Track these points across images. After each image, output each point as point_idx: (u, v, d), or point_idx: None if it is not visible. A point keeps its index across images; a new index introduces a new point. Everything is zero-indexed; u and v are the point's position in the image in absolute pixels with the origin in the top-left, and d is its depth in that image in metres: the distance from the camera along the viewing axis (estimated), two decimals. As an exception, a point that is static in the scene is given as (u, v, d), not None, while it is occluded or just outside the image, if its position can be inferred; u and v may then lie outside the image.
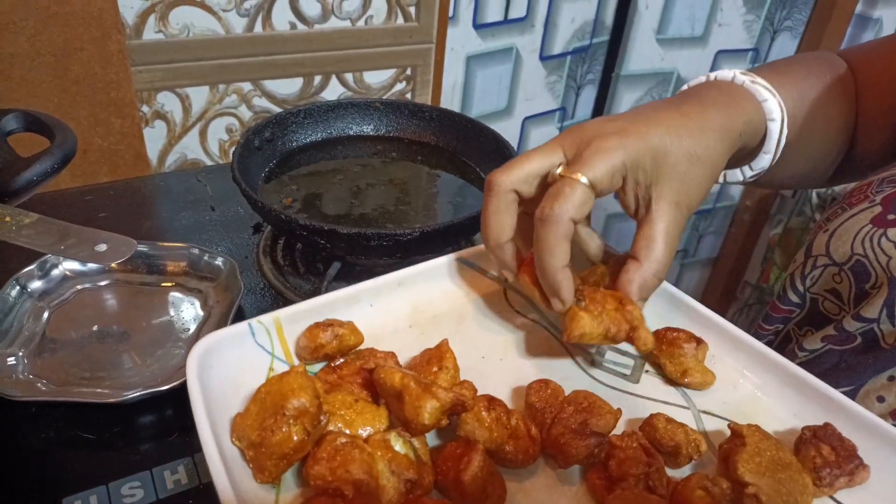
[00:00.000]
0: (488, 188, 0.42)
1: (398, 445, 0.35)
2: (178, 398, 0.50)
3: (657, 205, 0.42)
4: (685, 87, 0.53)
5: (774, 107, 0.49)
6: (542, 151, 0.42)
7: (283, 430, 0.33)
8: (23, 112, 0.55)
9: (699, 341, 0.43)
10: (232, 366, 0.39)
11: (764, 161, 0.52)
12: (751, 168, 0.53)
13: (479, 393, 0.40)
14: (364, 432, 0.36)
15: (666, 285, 0.48)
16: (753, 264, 1.90)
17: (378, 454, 0.34)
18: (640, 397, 0.43)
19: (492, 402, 0.38)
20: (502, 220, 0.42)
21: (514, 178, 0.42)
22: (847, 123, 0.60)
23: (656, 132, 0.42)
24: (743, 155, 0.52)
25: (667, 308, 0.48)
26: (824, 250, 0.60)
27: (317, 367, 0.42)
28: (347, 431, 0.36)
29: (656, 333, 0.44)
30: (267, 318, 0.41)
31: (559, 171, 0.41)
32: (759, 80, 0.50)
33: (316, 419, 0.34)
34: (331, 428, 0.36)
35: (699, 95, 0.49)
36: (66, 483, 0.46)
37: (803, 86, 0.56)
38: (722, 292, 1.94)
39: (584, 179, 0.39)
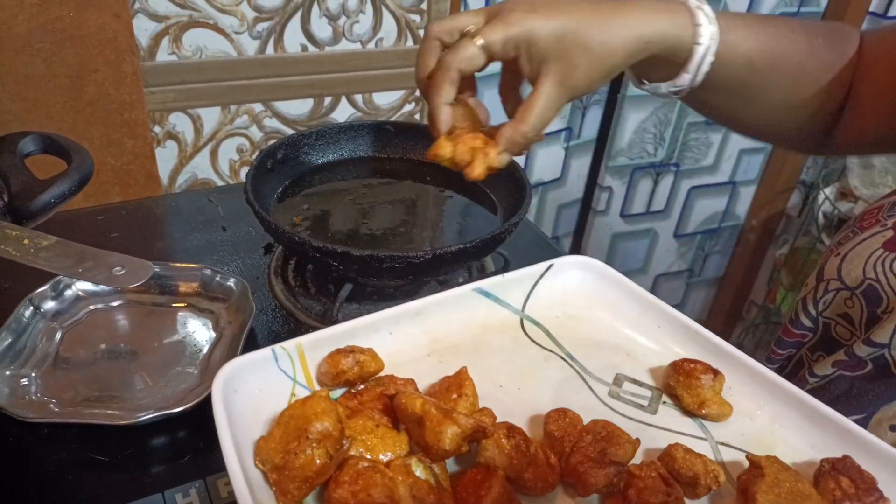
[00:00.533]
0: (424, 34, 0.53)
1: (419, 471, 0.36)
2: (190, 420, 0.51)
3: (543, 79, 0.49)
4: None
5: (706, 32, 0.51)
6: (470, 13, 0.51)
7: (307, 453, 0.34)
8: (40, 134, 0.55)
9: (716, 373, 0.43)
10: (255, 390, 0.40)
11: (683, 80, 0.53)
12: (673, 84, 0.54)
13: (497, 421, 0.40)
14: (385, 457, 0.37)
15: (681, 316, 0.48)
16: (759, 284, 1.90)
17: (399, 479, 0.35)
18: (658, 428, 0.42)
19: (511, 429, 0.38)
20: (426, 60, 0.52)
21: (440, 29, 0.51)
22: (830, 87, 0.58)
23: (559, 18, 0.48)
24: (664, 68, 0.54)
25: (682, 338, 0.48)
26: (836, 274, 0.60)
27: (337, 393, 0.42)
28: (369, 456, 0.36)
29: (673, 365, 0.45)
30: (289, 344, 0.42)
31: (469, 30, 0.50)
32: (705, 6, 0.52)
33: (339, 443, 0.35)
34: (352, 453, 0.36)
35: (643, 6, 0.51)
36: (78, 505, 0.46)
37: (775, 35, 0.56)
38: (728, 312, 1.94)
39: (479, 41, 0.49)
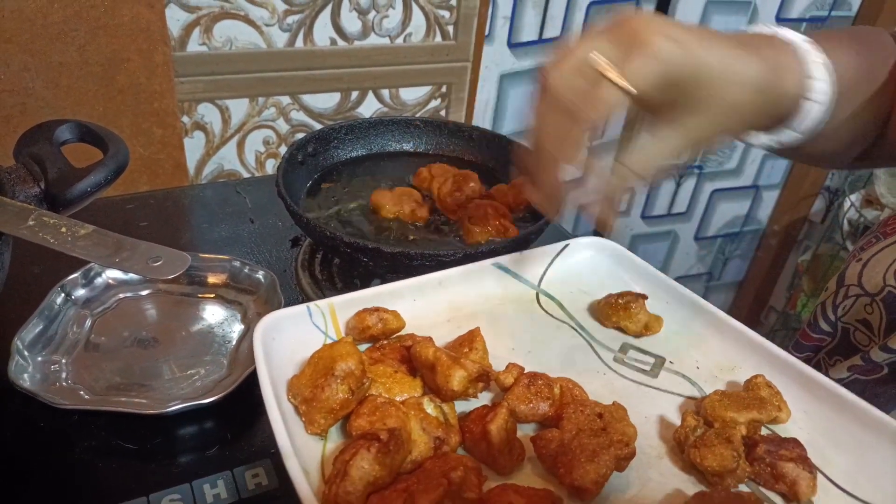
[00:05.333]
0: (540, 85, 0.40)
1: (430, 409, 0.41)
2: (218, 411, 0.51)
3: (673, 120, 0.40)
4: (745, 30, 0.47)
5: (825, 88, 0.44)
6: (592, 40, 0.39)
7: (332, 387, 0.39)
8: (77, 122, 0.56)
9: (641, 296, 0.49)
10: (290, 339, 0.44)
11: (789, 136, 0.47)
12: (777, 140, 0.48)
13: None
14: (401, 398, 0.42)
15: (686, 292, 0.52)
16: (779, 290, 1.88)
17: (412, 413, 0.40)
18: (659, 390, 0.46)
19: (532, 378, 0.42)
20: (548, 119, 0.40)
21: (563, 75, 0.39)
22: (887, 105, 0.53)
23: (716, 51, 0.39)
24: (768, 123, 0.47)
25: (689, 313, 0.51)
26: (857, 280, 0.59)
27: (363, 348, 0.46)
28: (386, 396, 0.42)
29: (607, 301, 0.49)
30: (323, 303, 0.47)
31: (609, 73, 0.38)
32: (822, 56, 0.44)
33: (360, 381, 0.40)
34: (372, 392, 0.41)
35: (762, 52, 0.42)
36: (107, 493, 0.46)
37: (850, 64, 0.49)
38: (746, 317, 1.92)
39: (621, 83, 0.38)
